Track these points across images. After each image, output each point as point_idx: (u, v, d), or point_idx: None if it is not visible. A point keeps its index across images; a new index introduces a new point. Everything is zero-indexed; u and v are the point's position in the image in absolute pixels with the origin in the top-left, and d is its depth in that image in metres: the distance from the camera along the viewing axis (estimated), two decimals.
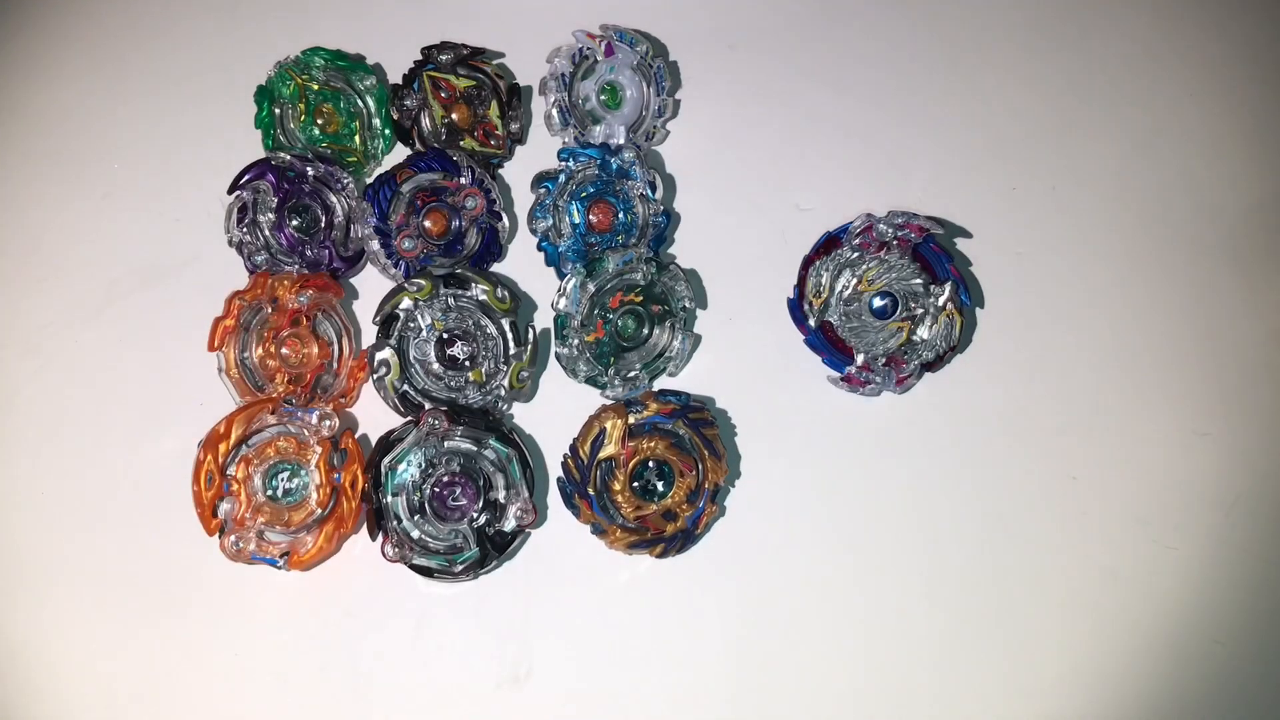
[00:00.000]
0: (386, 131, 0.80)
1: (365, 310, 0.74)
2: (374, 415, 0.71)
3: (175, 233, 0.79)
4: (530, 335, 0.70)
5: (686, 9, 0.88)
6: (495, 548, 0.66)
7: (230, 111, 0.82)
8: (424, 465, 0.66)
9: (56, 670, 0.65)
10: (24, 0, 0.90)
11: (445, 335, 0.70)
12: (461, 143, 0.78)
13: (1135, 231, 0.78)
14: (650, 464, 0.66)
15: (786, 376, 0.73)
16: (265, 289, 0.69)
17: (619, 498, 0.66)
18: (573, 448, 0.66)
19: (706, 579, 0.67)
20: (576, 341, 0.69)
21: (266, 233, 0.73)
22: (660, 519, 0.66)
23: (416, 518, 0.65)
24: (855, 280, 0.71)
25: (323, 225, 0.75)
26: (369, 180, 0.74)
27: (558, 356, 0.70)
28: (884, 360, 0.71)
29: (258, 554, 0.64)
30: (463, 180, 0.74)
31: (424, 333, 0.69)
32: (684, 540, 0.66)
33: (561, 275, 0.74)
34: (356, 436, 0.68)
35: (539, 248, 0.75)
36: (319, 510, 0.65)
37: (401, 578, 0.67)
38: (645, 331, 0.72)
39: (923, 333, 0.71)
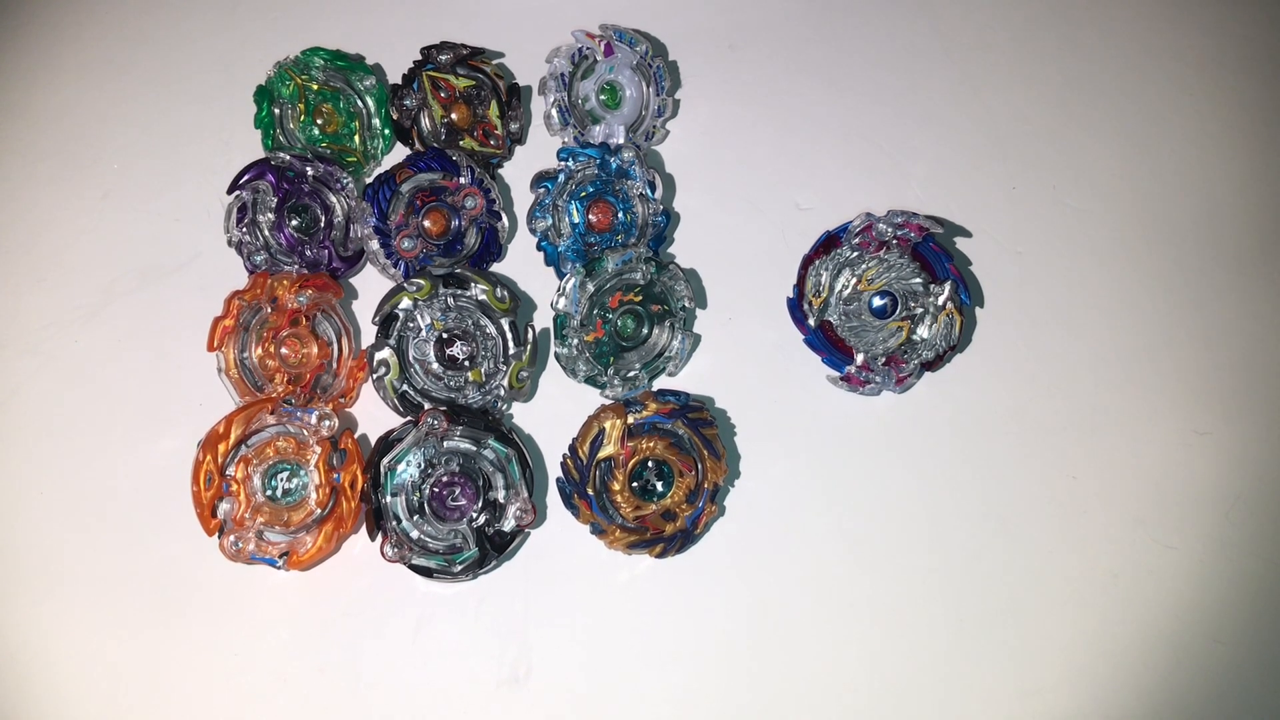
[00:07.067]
0: (386, 131, 0.80)
1: (365, 310, 0.74)
2: (374, 415, 0.71)
3: (175, 233, 0.79)
4: (530, 335, 0.70)
5: (686, 9, 0.88)
6: (495, 548, 0.66)
7: (230, 111, 0.82)
8: (423, 465, 0.66)
9: (56, 670, 0.65)
10: (24, 0, 0.90)
11: (445, 335, 0.70)
12: (461, 143, 0.78)
13: (1135, 231, 0.78)
14: (649, 464, 0.66)
15: (786, 376, 0.73)
16: (265, 289, 0.69)
17: (618, 498, 0.66)
18: (572, 448, 0.66)
19: (706, 579, 0.67)
20: (576, 341, 0.69)
21: (266, 233, 0.73)
22: (659, 519, 0.66)
23: (416, 518, 0.65)
24: (855, 280, 0.71)
25: (322, 225, 0.75)
26: (368, 180, 0.74)
27: (557, 356, 0.70)
28: (884, 360, 0.71)
29: (257, 554, 0.64)
30: (462, 180, 0.74)
31: (423, 333, 0.69)
32: (683, 540, 0.66)
33: (561, 275, 0.74)
34: (356, 436, 0.68)
35: (538, 247, 0.75)
36: (318, 510, 0.65)
37: (401, 578, 0.67)
38: (645, 331, 0.72)
39: (922, 332, 0.71)
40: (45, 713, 0.64)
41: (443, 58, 0.77)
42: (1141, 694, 0.65)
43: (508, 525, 0.66)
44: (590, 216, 0.73)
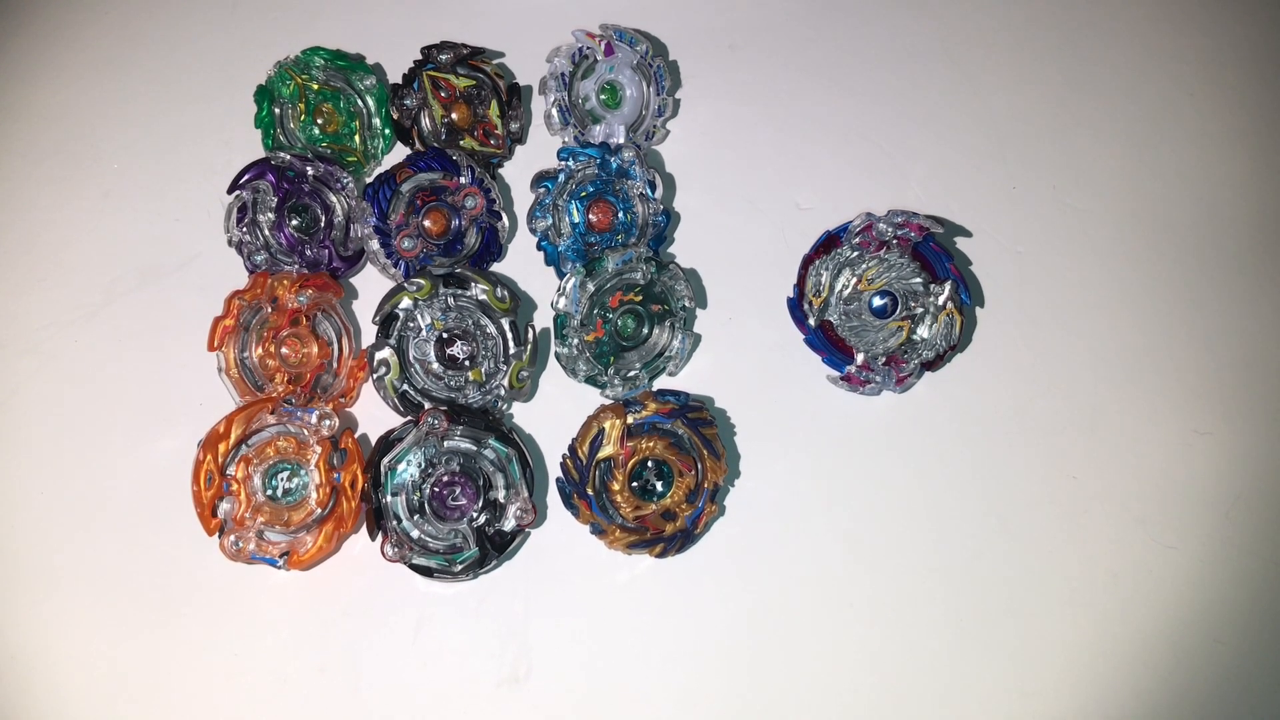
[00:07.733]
0: (386, 131, 0.80)
1: (365, 310, 0.74)
2: (374, 415, 0.71)
3: (175, 233, 0.79)
4: (530, 335, 0.70)
5: (686, 9, 0.88)
6: (495, 547, 0.66)
7: (230, 111, 0.82)
8: (424, 465, 0.66)
9: (56, 670, 0.65)
10: (24, 0, 0.90)
11: (445, 335, 0.70)
12: (461, 142, 0.78)
13: (1135, 230, 0.78)
14: (649, 464, 0.66)
15: (786, 376, 0.73)
16: (265, 289, 0.69)
17: (618, 497, 0.66)
18: (572, 448, 0.66)
19: (706, 579, 0.67)
20: (576, 341, 0.69)
21: (266, 232, 0.73)
22: (659, 519, 0.66)
23: (416, 517, 0.65)
24: (855, 279, 0.71)
25: (322, 225, 0.75)
26: (369, 180, 0.74)
27: (557, 356, 0.70)
28: (884, 359, 0.71)
29: (257, 554, 0.64)
30: (462, 180, 0.74)
31: (424, 332, 0.69)
32: (683, 540, 0.66)
33: (561, 275, 0.74)
34: (356, 436, 0.68)
35: (539, 247, 0.75)
36: (319, 510, 0.65)
37: (401, 578, 0.67)
38: (645, 331, 0.72)
39: (922, 332, 0.71)
40: (45, 713, 0.64)
41: (443, 57, 0.77)
42: (1141, 694, 0.65)
43: (508, 525, 0.66)
44: (590, 216, 0.73)
